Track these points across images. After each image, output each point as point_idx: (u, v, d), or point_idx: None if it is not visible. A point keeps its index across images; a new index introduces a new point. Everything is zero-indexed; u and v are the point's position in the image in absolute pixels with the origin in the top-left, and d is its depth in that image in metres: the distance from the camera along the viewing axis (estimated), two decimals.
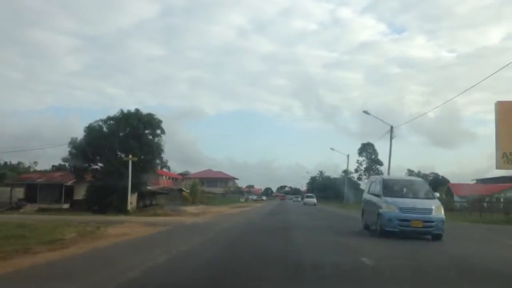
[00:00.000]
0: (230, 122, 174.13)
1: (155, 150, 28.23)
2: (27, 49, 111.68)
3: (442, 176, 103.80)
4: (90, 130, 28.16)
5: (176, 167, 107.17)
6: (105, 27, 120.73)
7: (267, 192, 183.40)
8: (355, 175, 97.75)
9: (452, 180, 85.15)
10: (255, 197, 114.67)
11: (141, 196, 44.22)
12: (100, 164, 28.50)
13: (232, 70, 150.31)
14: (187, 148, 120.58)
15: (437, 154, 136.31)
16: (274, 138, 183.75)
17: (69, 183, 35.25)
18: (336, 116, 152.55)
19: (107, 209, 24.53)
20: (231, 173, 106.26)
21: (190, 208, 29.56)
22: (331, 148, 59.35)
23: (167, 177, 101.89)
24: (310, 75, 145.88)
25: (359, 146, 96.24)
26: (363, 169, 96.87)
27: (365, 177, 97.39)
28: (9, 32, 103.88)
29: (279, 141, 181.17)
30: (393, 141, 38.26)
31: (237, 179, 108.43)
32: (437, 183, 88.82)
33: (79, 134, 28.67)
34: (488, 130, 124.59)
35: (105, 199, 25.35)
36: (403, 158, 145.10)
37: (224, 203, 61.45)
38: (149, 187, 43.43)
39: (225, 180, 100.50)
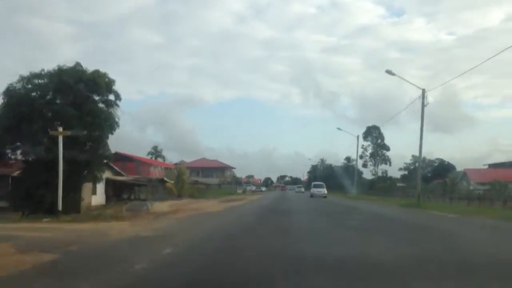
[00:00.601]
0: (230, 110, 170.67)
1: (104, 123, 19.94)
2: (23, 37, 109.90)
3: (448, 162, 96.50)
4: (11, 96, 19.93)
5: (173, 157, 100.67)
6: (103, 14, 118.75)
7: (267, 182, 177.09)
8: (360, 162, 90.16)
9: (459, 166, 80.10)
10: (254, 188, 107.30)
11: (116, 189, 36.80)
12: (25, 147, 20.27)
13: (231, 57, 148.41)
14: (186, 137, 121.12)
15: (435, 140, 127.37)
16: (273, 126, 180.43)
17: None
18: (335, 102, 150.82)
19: (38, 209, 17.11)
20: (229, 162, 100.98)
21: (162, 205, 22.01)
22: (338, 128, 51.55)
23: (160, 168, 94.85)
24: (309, 60, 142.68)
25: (363, 130, 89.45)
26: (368, 155, 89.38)
27: (370, 163, 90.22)
28: (5, 20, 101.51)
29: (279, 129, 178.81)
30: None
31: (234, 168, 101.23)
32: (444, 169, 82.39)
33: None
34: (487, 115, 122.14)
35: (35, 195, 17.70)
36: (403, 145, 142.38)
37: (217, 196, 54.17)
38: (119, 177, 35.95)
39: (221, 169, 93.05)
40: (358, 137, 77.75)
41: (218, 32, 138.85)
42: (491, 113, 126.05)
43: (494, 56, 24.21)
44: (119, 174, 36.08)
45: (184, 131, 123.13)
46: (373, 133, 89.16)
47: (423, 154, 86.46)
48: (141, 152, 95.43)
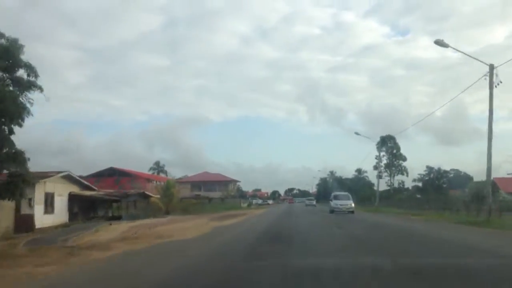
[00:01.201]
0: (236, 129, 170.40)
1: (7, 110, 12.47)
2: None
3: (464, 173, 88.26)
4: None
5: (179, 173, 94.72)
6: (107, 39, 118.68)
7: (274, 195, 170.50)
8: (374, 173, 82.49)
9: (477, 177, 72.25)
10: (260, 201, 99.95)
11: (84, 206, 29.68)
12: None
13: (236, 77, 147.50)
14: (192, 154, 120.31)
15: (444, 152, 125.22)
16: (280, 143, 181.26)
17: None
18: (342, 119, 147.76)
19: None
20: (236, 177, 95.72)
21: (117, 228, 15.01)
22: (356, 133, 44.13)
23: (159, 182, 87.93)
24: (315, 79, 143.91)
25: (376, 140, 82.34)
26: (383, 165, 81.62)
27: (386, 174, 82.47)
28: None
29: (286, 145, 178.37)
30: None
31: (239, 181, 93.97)
32: (461, 180, 75.10)
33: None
34: (495, 127, 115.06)
35: None
36: (411, 157, 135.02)
37: (216, 210, 47.04)
38: (86, 192, 28.87)
39: (224, 183, 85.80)
40: (380, 140, 71.87)
41: (223, 54, 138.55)
42: (500, 126, 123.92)
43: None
44: (88, 188, 29.13)
45: (191, 148, 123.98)
46: (387, 143, 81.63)
47: (436, 165, 78.60)
48: (145, 168, 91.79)
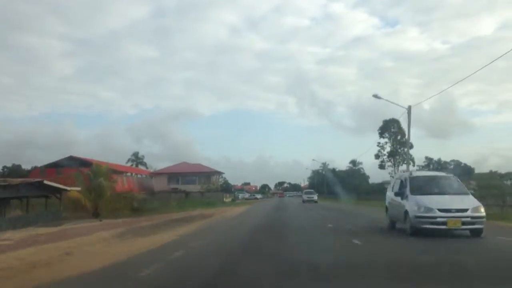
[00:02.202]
0: (226, 122, 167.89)
1: None
2: (18, 54, 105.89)
3: (465, 164, 77.24)
4: None
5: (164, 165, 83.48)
6: (96, 29, 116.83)
7: (264, 189, 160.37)
8: (375, 162, 71.30)
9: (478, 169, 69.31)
10: (247, 195, 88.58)
11: None
12: None
13: (226, 69, 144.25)
14: (181, 148, 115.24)
15: (434, 144, 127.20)
16: (270, 136, 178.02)
17: None
18: (331, 111, 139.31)
19: None
20: (225, 171, 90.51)
21: None
22: (375, 95, 31.91)
23: (134, 174, 75.92)
24: (304, 71, 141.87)
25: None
26: (385, 153, 70.35)
27: (389, 164, 71.16)
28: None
29: (275, 138, 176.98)
30: None
31: (222, 173, 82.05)
32: (462, 172, 64.90)
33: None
34: (483, 120, 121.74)
35: None
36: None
37: (183, 208, 35.56)
38: None
39: (206, 175, 74.00)
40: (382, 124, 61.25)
41: (212, 44, 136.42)
42: (488, 119, 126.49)
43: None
44: None
45: (180, 142, 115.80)
46: (391, 128, 70.42)
47: (436, 156, 67.29)
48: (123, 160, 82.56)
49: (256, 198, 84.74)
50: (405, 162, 70.85)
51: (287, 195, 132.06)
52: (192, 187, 68.68)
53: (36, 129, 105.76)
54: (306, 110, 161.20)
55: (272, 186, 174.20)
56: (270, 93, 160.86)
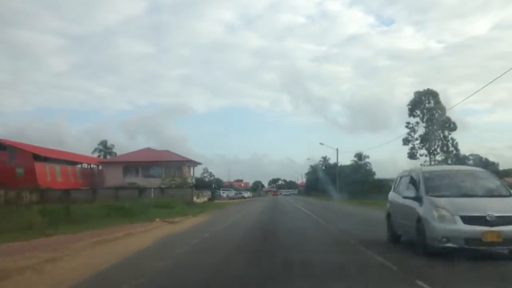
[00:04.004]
0: (220, 119, 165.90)
1: None
2: (12, 49, 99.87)
3: (486, 159, 57.83)
4: None
5: None
6: (91, 25, 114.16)
7: (257, 186, 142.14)
8: (405, 149, 51.50)
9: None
10: (233, 193, 68.70)
11: None
12: None
13: (221, 66, 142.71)
14: (176, 145, 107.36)
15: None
16: (265, 133, 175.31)
17: None
18: (326, 109, 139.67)
19: None
20: (219, 168, 78.68)
21: None
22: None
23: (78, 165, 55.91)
24: (299, 69, 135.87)
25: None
26: (418, 137, 50.77)
27: (422, 152, 51.73)
28: None
29: (270, 136, 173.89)
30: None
31: (198, 163, 61.68)
32: (484, 167, 45.96)
33: None
34: (476, 119, 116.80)
35: None
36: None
37: (109, 220, 15.77)
38: None
39: (176, 165, 53.90)
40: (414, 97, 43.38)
41: (208, 42, 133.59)
42: (482, 118, 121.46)
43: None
44: None
45: (174, 139, 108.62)
46: (426, 103, 50.88)
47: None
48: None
49: (243, 197, 64.79)
50: (444, 149, 52.00)
51: (282, 193, 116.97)
52: (156, 182, 48.61)
53: (29, 125, 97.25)
54: (301, 108, 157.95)
55: (265, 183, 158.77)
56: (265, 91, 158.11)
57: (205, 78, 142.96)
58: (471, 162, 54.94)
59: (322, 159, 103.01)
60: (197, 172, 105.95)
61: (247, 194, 70.31)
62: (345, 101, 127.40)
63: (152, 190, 42.29)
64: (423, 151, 50.49)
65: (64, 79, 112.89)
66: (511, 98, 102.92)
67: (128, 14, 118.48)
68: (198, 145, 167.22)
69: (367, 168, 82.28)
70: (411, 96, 51.25)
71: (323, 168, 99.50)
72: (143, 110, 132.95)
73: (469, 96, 72.30)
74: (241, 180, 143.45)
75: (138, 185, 50.38)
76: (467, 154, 56.68)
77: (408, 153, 51.18)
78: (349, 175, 73.15)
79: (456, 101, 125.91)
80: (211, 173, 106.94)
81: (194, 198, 42.85)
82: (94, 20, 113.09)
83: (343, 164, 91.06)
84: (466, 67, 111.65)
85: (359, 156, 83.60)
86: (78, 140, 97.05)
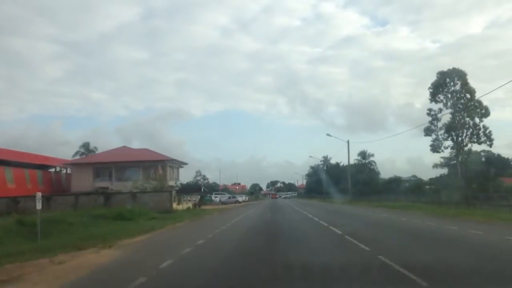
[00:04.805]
0: (217, 123, 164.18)
1: None
2: (7, 57, 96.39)
3: (499, 155, 50.14)
4: None
5: None
6: (86, 32, 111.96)
7: (254, 189, 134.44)
8: (427, 140, 42.86)
9: None
10: (226, 197, 60.07)
11: None
12: None
13: (217, 70, 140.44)
14: (174, 149, 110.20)
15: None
16: (262, 136, 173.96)
17: None
18: (323, 111, 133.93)
19: None
20: (217, 172, 73.01)
21: None
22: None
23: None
24: (295, 71, 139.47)
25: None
26: (442, 126, 42.22)
27: (447, 143, 43.23)
28: None
29: (267, 139, 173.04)
30: None
31: (184, 163, 52.77)
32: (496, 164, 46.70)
33: None
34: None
35: None
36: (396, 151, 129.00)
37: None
38: None
39: (156, 164, 45.00)
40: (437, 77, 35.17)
41: (203, 46, 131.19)
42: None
43: None
44: None
45: (171, 143, 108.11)
46: (450, 86, 42.32)
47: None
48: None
49: (237, 202, 56.05)
50: (474, 139, 43.36)
51: (282, 196, 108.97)
52: (127, 185, 39.68)
53: (25, 132, 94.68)
54: (298, 110, 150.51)
55: (264, 186, 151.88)
56: (262, 94, 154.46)
57: (201, 82, 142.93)
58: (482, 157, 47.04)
59: (322, 159, 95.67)
60: (189, 175, 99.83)
61: (242, 198, 61.46)
62: (341, 102, 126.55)
63: (121, 195, 33.92)
64: (449, 142, 41.87)
65: (60, 85, 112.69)
66: None
67: (123, 20, 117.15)
68: (195, 149, 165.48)
69: (371, 167, 76.23)
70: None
71: (325, 168, 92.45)
72: (140, 115, 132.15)
73: (499, 87, 65.43)
74: (238, 184, 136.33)
75: (111, 189, 41.80)
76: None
77: (431, 146, 42.59)
78: (353, 175, 67.54)
79: None
80: (204, 175, 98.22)
81: (174, 205, 34.24)
82: (89, 26, 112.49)
83: (345, 164, 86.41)
84: (462, 66, 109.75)
85: (363, 154, 76.24)
86: (74, 147, 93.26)
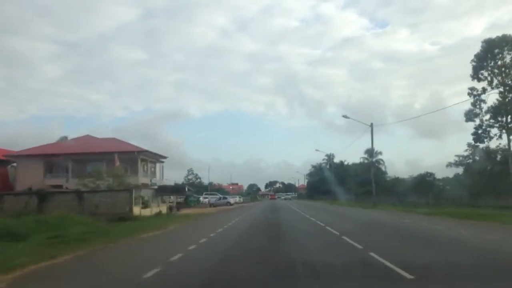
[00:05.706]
0: (216, 123, 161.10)
1: None
2: (6, 57, 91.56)
3: None
4: None
5: None
6: (85, 32, 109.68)
7: (252, 189, 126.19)
8: (470, 127, 33.52)
9: None
10: (216, 198, 50.66)
11: None
12: None
13: (216, 70, 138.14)
14: (173, 150, 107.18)
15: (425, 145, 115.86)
16: (261, 137, 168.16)
17: None
18: (322, 112, 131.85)
19: None
20: (216, 173, 59.73)
21: None
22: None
23: None
24: (295, 72, 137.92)
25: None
26: (489, 110, 32.86)
27: (495, 129, 33.83)
28: None
29: (266, 139, 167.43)
30: None
31: (165, 157, 43.11)
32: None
33: None
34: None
35: None
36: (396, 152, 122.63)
37: None
38: None
39: (126, 157, 35.40)
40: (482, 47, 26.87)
41: (203, 46, 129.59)
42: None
43: None
44: None
45: (170, 143, 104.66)
46: (497, 59, 32.86)
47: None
48: None
49: (228, 203, 46.44)
50: None
51: (282, 197, 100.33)
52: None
53: (23, 132, 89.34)
54: (297, 111, 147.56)
55: (262, 186, 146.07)
56: (261, 94, 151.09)
57: (200, 83, 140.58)
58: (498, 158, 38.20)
59: (326, 157, 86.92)
60: (181, 173, 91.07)
61: (234, 200, 51.85)
62: (341, 103, 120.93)
63: (63, 196, 24.89)
64: (496, 127, 32.50)
65: (59, 86, 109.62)
66: None
67: (122, 20, 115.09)
68: (194, 149, 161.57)
69: (378, 166, 68.15)
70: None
71: (328, 167, 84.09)
72: (139, 115, 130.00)
73: None
74: (236, 184, 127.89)
75: (66, 188, 32.39)
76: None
77: (473, 134, 33.14)
78: (358, 174, 62.77)
79: (455, 101, 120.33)
80: (196, 174, 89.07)
81: (137, 209, 24.89)
82: (88, 26, 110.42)
83: (349, 163, 79.09)
84: (461, 68, 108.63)
85: (370, 152, 67.50)
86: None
